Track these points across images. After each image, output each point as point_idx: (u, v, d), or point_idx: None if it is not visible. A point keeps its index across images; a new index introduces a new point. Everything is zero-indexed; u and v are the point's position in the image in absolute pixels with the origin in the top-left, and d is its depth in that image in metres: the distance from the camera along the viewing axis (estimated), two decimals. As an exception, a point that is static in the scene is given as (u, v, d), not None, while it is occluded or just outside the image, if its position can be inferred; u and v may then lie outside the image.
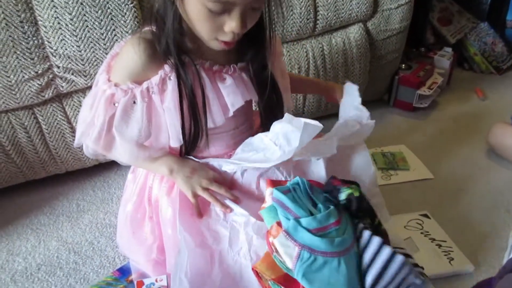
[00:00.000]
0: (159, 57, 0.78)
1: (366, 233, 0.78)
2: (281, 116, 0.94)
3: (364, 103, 1.59)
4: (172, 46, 0.76)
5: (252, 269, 0.79)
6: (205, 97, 0.81)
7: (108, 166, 1.32)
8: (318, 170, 0.92)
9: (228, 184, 0.87)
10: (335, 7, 1.35)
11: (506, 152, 1.33)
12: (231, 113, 0.83)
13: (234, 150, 0.91)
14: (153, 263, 0.91)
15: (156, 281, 0.85)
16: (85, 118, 0.83)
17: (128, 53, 0.78)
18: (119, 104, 0.78)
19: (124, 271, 0.96)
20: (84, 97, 1.14)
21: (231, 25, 0.72)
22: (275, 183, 0.82)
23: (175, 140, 0.81)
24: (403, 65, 1.68)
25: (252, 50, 0.85)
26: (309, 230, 0.75)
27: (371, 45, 1.51)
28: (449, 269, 0.97)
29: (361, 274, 0.82)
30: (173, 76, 0.79)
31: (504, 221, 1.12)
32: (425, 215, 1.13)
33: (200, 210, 0.85)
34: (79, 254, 1.03)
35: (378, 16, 1.46)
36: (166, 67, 0.79)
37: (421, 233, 1.07)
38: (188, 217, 0.84)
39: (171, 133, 0.81)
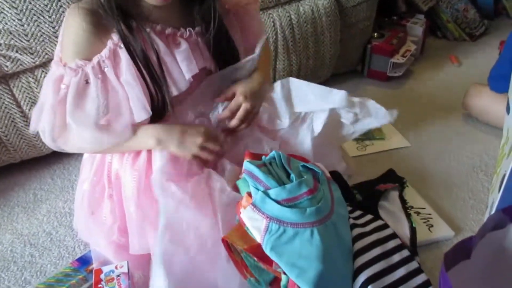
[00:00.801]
0: (104, 26, 0.73)
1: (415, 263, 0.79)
2: None
3: (337, 75, 1.52)
4: (113, 7, 0.71)
5: (222, 240, 0.74)
6: (161, 62, 0.75)
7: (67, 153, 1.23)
8: (304, 146, 0.93)
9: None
10: (301, -28, 1.28)
11: (482, 113, 1.29)
12: (187, 77, 0.77)
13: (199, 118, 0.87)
14: (115, 246, 0.84)
15: (116, 267, 0.78)
16: (38, 103, 0.78)
17: (69, 27, 0.73)
18: (70, 87, 0.72)
19: (83, 261, 0.89)
20: (33, 78, 1.05)
21: None
22: (253, 156, 0.78)
23: (142, 113, 0.75)
24: (375, 34, 1.62)
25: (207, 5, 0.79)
26: (277, 201, 0.71)
27: (341, 13, 1.45)
28: (429, 236, 0.93)
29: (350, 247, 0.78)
30: (123, 45, 0.73)
31: (483, 184, 1.09)
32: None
33: (203, 163, 0.83)
34: (36, 246, 0.96)
35: (346, -19, 1.40)
36: (114, 36, 0.74)
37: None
38: (164, 182, 0.78)
39: (136, 107, 0.75)
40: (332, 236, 0.75)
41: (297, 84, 0.96)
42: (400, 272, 0.78)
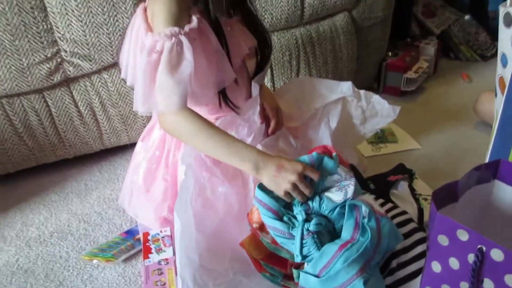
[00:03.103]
0: (186, 4, 0.85)
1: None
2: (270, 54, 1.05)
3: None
4: None
5: (240, 244, 0.83)
6: (226, 38, 0.89)
7: (113, 151, 1.40)
8: (324, 138, 1.05)
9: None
10: (321, -5, 1.45)
11: (493, 117, 1.39)
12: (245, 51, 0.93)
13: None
14: (162, 220, 0.97)
15: (161, 231, 0.92)
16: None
17: (163, 5, 0.83)
18: (164, 50, 0.79)
19: (131, 232, 1.03)
20: (90, 82, 1.23)
21: None
22: None
23: (230, 74, 0.86)
24: (390, 53, 1.77)
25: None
26: (317, 276, 0.72)
27: (357, 33, 1.60)
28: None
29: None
30: (203, 20, 0.85)
31: (488, 179, 1.19)
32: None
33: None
34: (89, 223, 1.10)
35: (361, 4, 1.56)
36: (194, 14, 0.85)
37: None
38: (201, 156, 0.88)
39: (225, 70, 0.86)
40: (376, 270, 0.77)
41: (308, 81, 1.13)
42: (418, 250, 0.87)
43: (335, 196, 0.76)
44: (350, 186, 0.75)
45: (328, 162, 0.79)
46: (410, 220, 0.96)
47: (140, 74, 0.82)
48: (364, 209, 0.73)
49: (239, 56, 0.92)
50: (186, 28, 0.82)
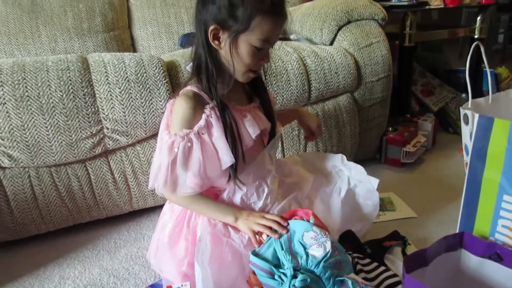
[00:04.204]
0: (200, 105, 1.05)
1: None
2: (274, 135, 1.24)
3: (359, 161, 1.85)
4: (214, 92, 1.05)
5: None
6: (238, 127, 1.08)
7: (139, 213, 1.57)
8: (335, 203, 1.24)
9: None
10: (325, 80, 1.66)
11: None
12: (253, 137, 1.10)
13: (264, 179, 1.17)
14: (183, 275, 1.12)
15: (182, 285, 1.07)
16: (153, 165, 1.08)
17: (179, 108, 1.05)
18: (179, 149, 1.00)
19: (154, 286, 1.18)
20: (125, 154, 1.44)
21: (265, 57, 1.05)
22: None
23: (228, 159, 1.04)
24: (390, 128, 1.96)
25: (262, 89, 1.19)
26: None
27: (359, 111, 1.80)
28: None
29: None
30: (213, 115, 1.05)
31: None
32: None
33: (258, 241, 1.02)
34: (118, 277, 1.25)
35: (362, 87, 1.77)
36: (206, 111, 1.05)
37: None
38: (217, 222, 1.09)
39: (224, 155, 1.04)
40: None
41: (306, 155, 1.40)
42: None
43: (317, 252, 0.92)
44: (327, 241, 0.93)
45: (301, 222, 0.99)
46: (399, 282, 1.09)
47: (164, 165, 1.02)
48: (350, 282, 0.89)
49: (251, 139, 1.10)
50: (196, 128, 1.03)
